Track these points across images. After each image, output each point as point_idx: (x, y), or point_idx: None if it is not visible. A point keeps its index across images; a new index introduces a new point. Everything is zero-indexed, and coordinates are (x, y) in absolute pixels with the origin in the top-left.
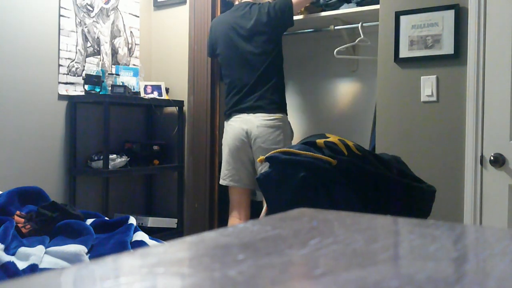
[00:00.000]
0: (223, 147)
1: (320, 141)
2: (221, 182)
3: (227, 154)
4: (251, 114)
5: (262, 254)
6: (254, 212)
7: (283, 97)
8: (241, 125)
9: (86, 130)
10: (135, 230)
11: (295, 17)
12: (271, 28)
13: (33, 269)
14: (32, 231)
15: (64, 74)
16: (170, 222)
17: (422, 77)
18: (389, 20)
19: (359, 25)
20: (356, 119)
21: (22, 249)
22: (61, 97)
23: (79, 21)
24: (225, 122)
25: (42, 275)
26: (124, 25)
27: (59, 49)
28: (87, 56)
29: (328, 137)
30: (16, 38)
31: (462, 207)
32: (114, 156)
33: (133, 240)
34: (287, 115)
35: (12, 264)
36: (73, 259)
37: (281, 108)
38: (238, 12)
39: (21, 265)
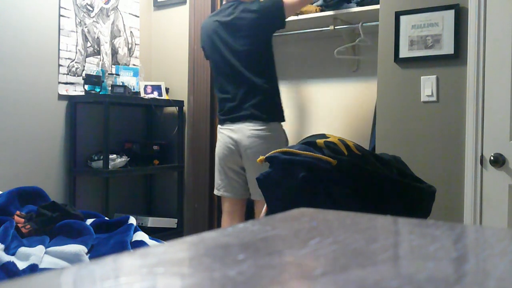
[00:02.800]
0: (215, 156)
1: (320, 141)
2: (215, 192)
3: (218, 164)
4: (242, 124)
5: (262, 254)
6: (248, 212)
7: (276, 104)
8: (230, 134)
9: (86, 130)
10: (135, 230)
11: (294, 17)
12: (258, 31)
13: (33, 269)
14: (32, 231)
15: (64, 74)
16: (170, 222)
17: (422, 77)
18: (389, 20)
19: (359, 25)
20: (356, 119)
21: (22, 249)
22: (61, 97)
23: (79, 21)
24: (218, 127)
25: (42, 275)
26: (124, 25)
27: (59, 49)
28: (87, 56)
29: (328, 137)
30: (16, 38)
31: (462, 207)
32: (114, 156)
33: (133, 240)
34: (281, 121)
35: (12, 264)
36: (73, 259)
37: (274, 116)
38: (222, 14)
39: (21, 265)
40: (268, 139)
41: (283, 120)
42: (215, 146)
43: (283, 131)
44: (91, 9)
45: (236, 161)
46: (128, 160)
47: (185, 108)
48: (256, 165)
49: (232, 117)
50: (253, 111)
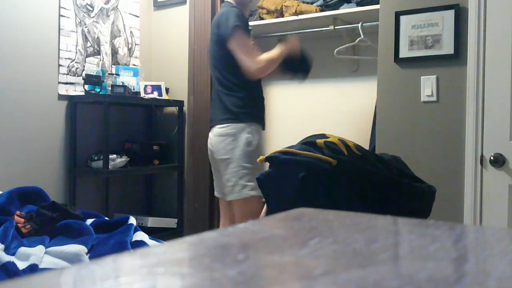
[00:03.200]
0: None
1: (320, 141)
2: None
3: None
4: (213, 127)
5: (262, 254)
6: None
7: (242, 105)
8: (209, 135)
9: (86, 130)
10: (135, 230)
11: (294, 17)
12: (213, 35)
13: (33, 269)
14: (32, 231)
15: (64, 74)
16: (170, 222)
17: (422, 77)
18: (389, 20)
19: (359, 25)
20: (356, 119)
21: (22, 249)
22: (61, 97)
23: (79, 21)
24: None
25: (42, 275)
26: (124, 25)
27: (59, 49)
28: (87, 56)
29: (328, 137)
30: (16, 38)
31: (462, 207)
32: (114, 156)
33: (133, 240)
34: (250, 122)
35: (12, 264)
36: (73, 259)
37: (238, 116)
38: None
39: (21, 265)
40: (226, 137)
41: (245, 122)
42: None
43: (251, 130)
44: (91, 9)
45: (214, 160)
46: (128, 160)
47: (185, 108)
48: (218, 164)
49: (210, 119)
50: (214, 111)
